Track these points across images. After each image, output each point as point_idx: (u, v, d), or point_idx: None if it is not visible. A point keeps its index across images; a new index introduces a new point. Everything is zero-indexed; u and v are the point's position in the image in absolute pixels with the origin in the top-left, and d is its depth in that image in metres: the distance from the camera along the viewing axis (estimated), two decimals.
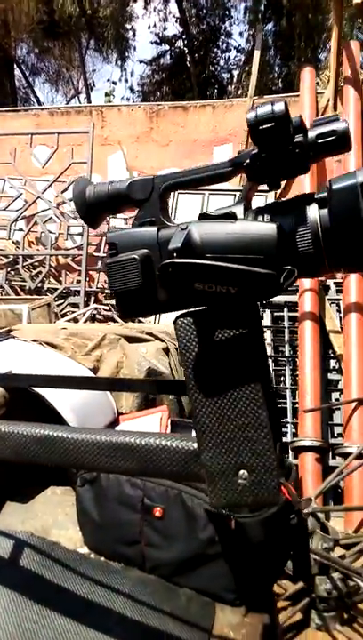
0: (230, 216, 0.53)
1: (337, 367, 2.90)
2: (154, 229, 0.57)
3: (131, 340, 1.64)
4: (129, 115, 4.59)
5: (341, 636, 1.72)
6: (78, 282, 4.01)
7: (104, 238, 4.23)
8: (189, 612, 0.95)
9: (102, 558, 1.07)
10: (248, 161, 0.52)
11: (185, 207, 3.90)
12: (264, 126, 0.48)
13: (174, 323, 0.58)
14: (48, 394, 1.20)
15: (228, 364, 0.55)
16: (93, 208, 0.62)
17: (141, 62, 11.90)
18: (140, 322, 4.05)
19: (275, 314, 3.30)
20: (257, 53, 4.31)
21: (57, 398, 1.21)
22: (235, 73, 12.04)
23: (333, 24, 4.15)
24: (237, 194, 3.94)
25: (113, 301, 3.98)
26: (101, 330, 1.62)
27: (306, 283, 3.03)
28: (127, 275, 0.56)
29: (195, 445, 0.60)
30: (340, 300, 3.11)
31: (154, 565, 1.02)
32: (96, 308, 3.63)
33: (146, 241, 0.57)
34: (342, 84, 4.10)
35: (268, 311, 3.26)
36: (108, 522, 1.07)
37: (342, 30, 4.19)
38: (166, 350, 1.65)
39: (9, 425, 0.67)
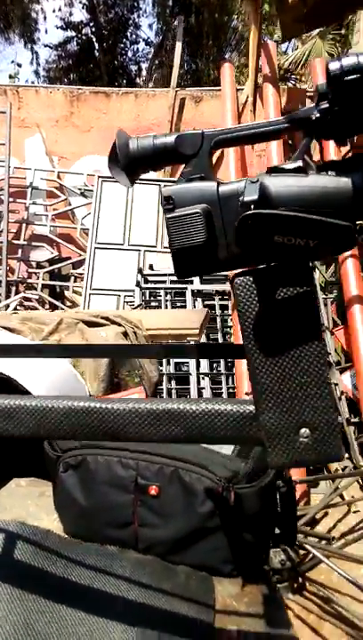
0: (302, 170, 0.52)
1: None
2: (213, 184, 0.55)
3: (87, 324, 1.58)
4: (48, 97, 4.39)
5: (293, 604, 1.81)
6: None
7: (24, 225, 4.03)
8: (189, 589, 0.95)
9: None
10: (317, 115, 0.52)
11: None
12: (349, 77, 0.48)
13: (231, 282, 0.57)
14: (19, 376, 1.13)
15: (290, 321, 0.55)
16: (136, 162, 0.59)
17: (46, 46, 11.46)
18: (62, 309, 3.91)
19: (206, 302, 3.36)
20: (179, 45, 4.34)
21: (29, 381, 1.14)
22: (144, 65, 12.01)
23: (251, 24, 4.27)
24: (163, 184, 3.95)
25: (36, 292, 3.81)
26: (57, 314, 1.54)
27: None
28: (190, 230, 0.54)
29: (251, 408, 0.59)
30: None
31: (148, 546, 1.00)
32: (25, 297, 3.45)
33: (205, 196, 0.55)
34: (262, 82, 4.24)
35: (199, 300, 3.31)
36: (97, 506, 1.02)
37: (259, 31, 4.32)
38: (125, 334, 1.62)
39: (40, 400, 0.62)
